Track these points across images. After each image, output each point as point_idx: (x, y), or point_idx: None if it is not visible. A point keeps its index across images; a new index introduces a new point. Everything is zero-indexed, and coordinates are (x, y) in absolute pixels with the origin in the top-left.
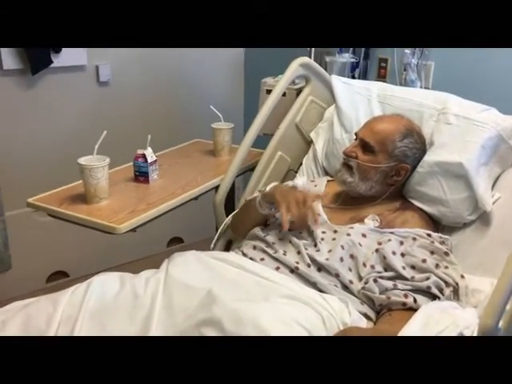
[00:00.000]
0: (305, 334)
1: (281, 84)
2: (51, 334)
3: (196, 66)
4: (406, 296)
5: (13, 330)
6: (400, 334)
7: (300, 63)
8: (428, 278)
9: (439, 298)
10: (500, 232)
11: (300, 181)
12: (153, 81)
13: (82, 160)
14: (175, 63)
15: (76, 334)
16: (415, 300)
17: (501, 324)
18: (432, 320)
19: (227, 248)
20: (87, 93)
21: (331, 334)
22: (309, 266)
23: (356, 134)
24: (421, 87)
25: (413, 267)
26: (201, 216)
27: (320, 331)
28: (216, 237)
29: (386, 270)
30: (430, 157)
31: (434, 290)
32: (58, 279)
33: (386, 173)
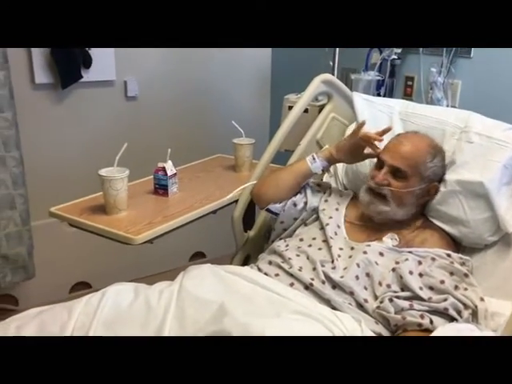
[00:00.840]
0: None
1: (302, 100)
2: None
3: (222, 82)
4: (422, 317)
5: (27, 335)
6: None
7: (322, 80)
8: (446, 300)
9: (457, 321)
10: None
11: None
12: (179, 96)
13: (103, 171)
14: (201, 78)
15: None
16: (431, 321)
17: None
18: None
19: (245, 262)
20: (115, 107)
21: None
22: (323, 282)
23: (380, 158)
24: (447, 106)
25: (431, 288)
26: (223, 231)
27: None
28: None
29: (402, 290)
30: (451, 176)
31: (452, 312)
32: (81, 290)
33: (418, 195)
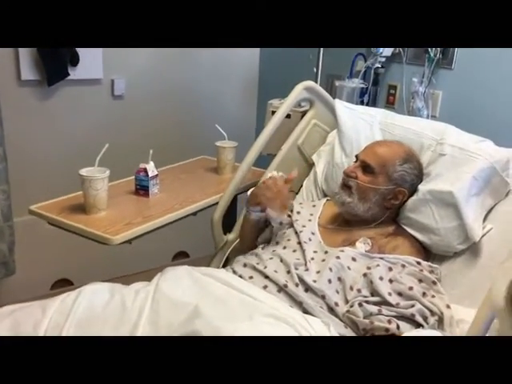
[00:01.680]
0: None
1: (284, 106)
2: None
3: (209, 83)
4: (389, 322)
5: (1, 333)
6: None
7: (304, 87)
8: (413, 306)
9: (423, 327)
10: (489, 263)
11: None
12: (165, 96)
13: (83, 171)
14: (189, 79)
15: None
16: (398, 326)
17: None
18: None
19: (224, 265)
20: (101, 106)
21: None
22: (297, 285)
23: (357, 156)
24: (427, 116)
25: (399, 294)
26: (208, 231)
27: None
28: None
29: (372, 295)
30: (425, 186)
31: (418, 318)
32: (63, 287)
33: (384, 195)
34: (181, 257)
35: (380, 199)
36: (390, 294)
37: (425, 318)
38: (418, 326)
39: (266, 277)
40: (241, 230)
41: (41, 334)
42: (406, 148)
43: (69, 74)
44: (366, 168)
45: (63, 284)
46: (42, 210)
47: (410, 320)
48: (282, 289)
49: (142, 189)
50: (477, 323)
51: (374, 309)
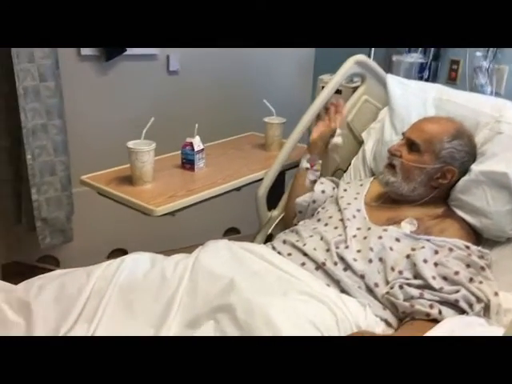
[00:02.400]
0: (315, 331)
1: (333, 81)
2: (82, 302)
3: (265, 60)
4: (431, 307)
5: (47, 294)
6: None
7: (355, 61)
8: (458, 291)
9: (467, 313)
10: None
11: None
12: (220, 72)
13: (130, 144)
14: (244, 56)
15: (103, 306)
16: (440, 312)
17: None
18: (452, 335)
19: (267, 241)
20: (157, 81)
21: (343, 334)
22: (335, 264)
23: (403, 133)
24: (491, 93)
25: (444, 278)
26: None
27: (332, 331)
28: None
29: (415, 278)
30: (478, 166)
31: (463, 304)
32: (118, 256)
33: (430, 174)
34: (232, 233)
35: (426, 179)
36: (433, 278)
37: (470, 305)
38: (462, 312)
39: (305, 254)
40: (288, 196)
41: (84, 297)
42: (456, 124)
43: (126, 50)
44: (411, 146)
45: (119, 254)
46: (93, 181)
47: (454, 306)
48: (319, 267)
49: (187, 163)
50: None
51: (415, 292)
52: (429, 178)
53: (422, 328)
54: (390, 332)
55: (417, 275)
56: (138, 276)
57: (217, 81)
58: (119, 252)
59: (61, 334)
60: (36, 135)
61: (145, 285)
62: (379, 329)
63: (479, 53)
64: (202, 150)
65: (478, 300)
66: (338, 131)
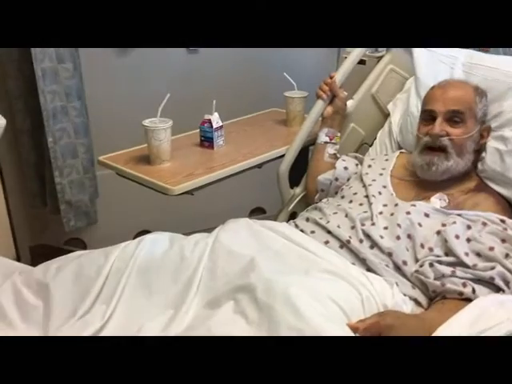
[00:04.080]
0: (338, 311)
1: (357, 50)
2: (100, 283)
3: None
4: (464, 285)
5: (65, 276)
6: (446, 326)
7: None
8: (493, 268)
9: (504, 292)
10: None
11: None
12: (239, 48)
13: (146, 122)
14: None
15: (121, 287)
16: (474, 290)
17: None
18: (486, 314)
19: (291, 220)
20: (176, 59)
21: (369, 314)
22: (361, 241)
23: (429, 110)
24: None
25: (478, 254)
26: None
27: (357, 311)
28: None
29: (446, 255)
30: (511, 133)
31: (499, 282)
32: None
33: (476, 139)
34: (257, 213)
35: (474, 145)
36: (466, 254)
37: (507, 283)
38: (498, 290)
39: (329, 232)
40: (309, 170)
41: (102, 278)
42: (471, 84)
43: None
44: (453, 119)
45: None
46: (110, 161)
47: (489, 284)
48: (344, 244)
49: (206, 140)
50: None
51: (446, 270)
52: (476, 143)
53: (453, 307)
54: (419, 311)
55: (448, 252)
56: (156, 256)
57: (236, 56)
58: (145, 234)
59: (78, 315)
60: (56, 118)
61: (163, 265)
62: (408, 308)
63: None
64: (221, 126)
65: None
66: (349, 101)
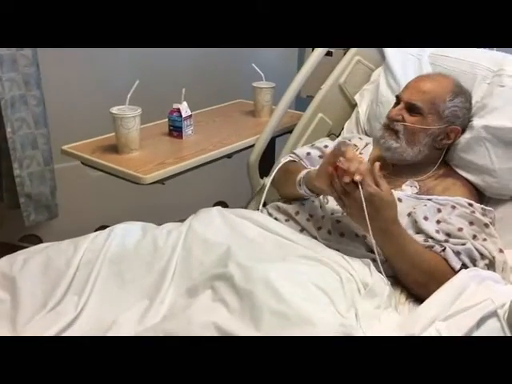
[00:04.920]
0: (319, 293)
1: None
2: (70, 274)
3: None
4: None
5: (33, 268)
6: (432, 298)
7: None
8: (464, 244)
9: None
10: None
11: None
12: None
13: (114, 109)
14: None
15: (93, 278)
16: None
17: None
18: (468, 290)
19: None
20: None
21: (349, 295)
22: (329, 232)
23: (398, 96)
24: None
25: (448, 235)
26: (246, 181)
27: (337, 291)
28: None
29: (418, 234)
30: (479, 121)
31: (464, 258)
32: None
33: (434, 136)
34: (220, 206)
35: (430, 140)
36: (437, 232)
37: (473, 261)
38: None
39: (299, 223)
40: (280, 180)
41: (73, 269)
42: (453, 80)
43: None
44: (412, 109)
45: None
46: (75, 150)
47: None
48: (315, 237)
49: (175, 130)
50: None
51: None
52: (433, 139)
53: (433, 257)
54: (398, 290)
55: (419, 232)
56: (128, 246)
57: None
58: (105, 229)
59: (49, 307)
60: (15, 107)
61: (136, 254)
62: (384, 285)
63: None
64: (190, 116)
65: (483, 256)
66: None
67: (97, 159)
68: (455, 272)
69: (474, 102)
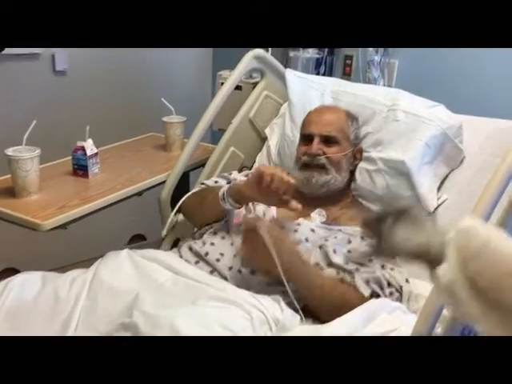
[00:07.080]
0: (226, 333)
1: (233, 77)
2: None
3: (161, 58)
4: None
5: None
6: (343, 319)
7: (254, 56)
8: (373, 273)
9: (378, 296)
10: None
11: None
12: (114, 71)
13: (9, 151)
14: (139, 53)
15: None
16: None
17: (439, 331)
18: (380, 318)
19: (174, 246)
20: (41, 82)
21: (260, 331)
22: (240, 271)
23: (305, 134)
24: (383, 85)
25: (358, 264)
26: None
27: (247, 331)
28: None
29: (329, 266)
30: (377, 154)
31: (372, 285)
32: (9, 276)
33: (349, 159)
34: (138, 239)
35: (348, 164)
36: (347, 263)
37: (381, 288)
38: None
39: (209, 264)
40: (194, 202)
41: None
42: (344, 109)
43: (3, 49)
44: (328, 140)
45: (10, 274)
46: None
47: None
48: (226, 278)
49: (80, 169)
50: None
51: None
52: (350, 163)
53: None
54: (309, 321)
55: (330, 263)
56: (26, 299)
57: (110, 80)
58: (10, 271)
59: None
60: None
61: (35, 308)
62: (295, 320)
63: (371, 48)
64: (96, 153)
65: (390, 285)
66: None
67: None
68: (365, 299)
69: (371, 133)
